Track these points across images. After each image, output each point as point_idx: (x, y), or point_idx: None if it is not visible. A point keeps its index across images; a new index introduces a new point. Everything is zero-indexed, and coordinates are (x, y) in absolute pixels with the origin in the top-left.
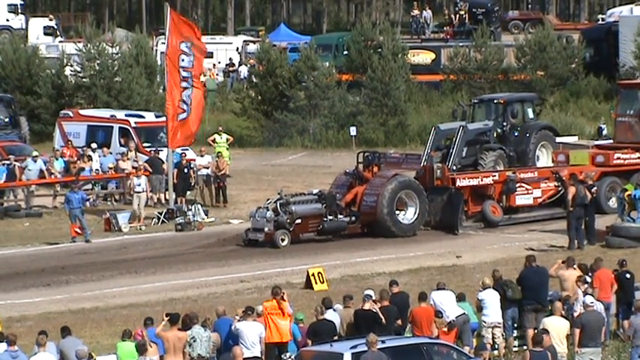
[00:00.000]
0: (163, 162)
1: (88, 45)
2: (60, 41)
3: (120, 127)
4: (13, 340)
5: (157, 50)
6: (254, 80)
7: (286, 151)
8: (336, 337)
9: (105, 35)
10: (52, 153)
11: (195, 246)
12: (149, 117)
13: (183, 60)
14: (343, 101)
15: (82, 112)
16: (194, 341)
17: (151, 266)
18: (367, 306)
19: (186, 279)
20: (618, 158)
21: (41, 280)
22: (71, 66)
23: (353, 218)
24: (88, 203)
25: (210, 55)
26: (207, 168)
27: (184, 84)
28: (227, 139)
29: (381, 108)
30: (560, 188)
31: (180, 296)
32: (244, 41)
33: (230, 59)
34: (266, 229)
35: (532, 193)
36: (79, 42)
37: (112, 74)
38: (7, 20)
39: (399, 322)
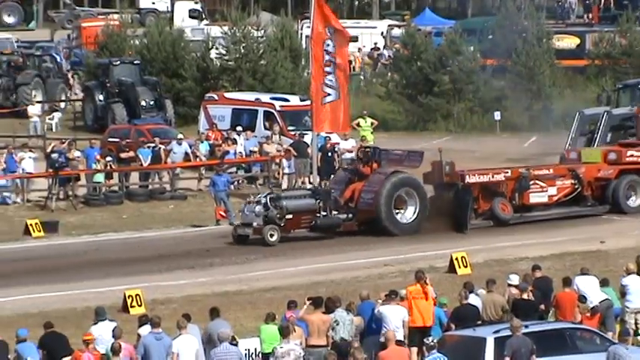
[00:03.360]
0: (308, 145)
1: (234, 28)
2: (205, 24)
3: (265, 111)
4: (157, 322)
5: (301, 34)
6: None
7: (430, 136)
8: (479, 322)
9: (250, 18)
10: (197, 136)
11: (339, 230)
12: (294, 100)
13: (328, 44)
14: (488, 85)
15: (227, 95)
16: (337, 324)
17: (295, 249)
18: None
19: (330, 262)
20: (632, 155)
21: (186, 262)
22: (216, 49)
23: (350, 215)
24: (232, 186)
25: (355, 39)
26: (351, 152)
27: (328, 68)
28: (371, 123)
29: (525, 92)
30: (577, 186)
31: (323, 279)
32: (389, 25)
33: (375, 43)
34: (255, 223)
35: (547, 190)
36: (225, 25)
37: (257, 57)
38: (153, 3)
39: (542, 306)
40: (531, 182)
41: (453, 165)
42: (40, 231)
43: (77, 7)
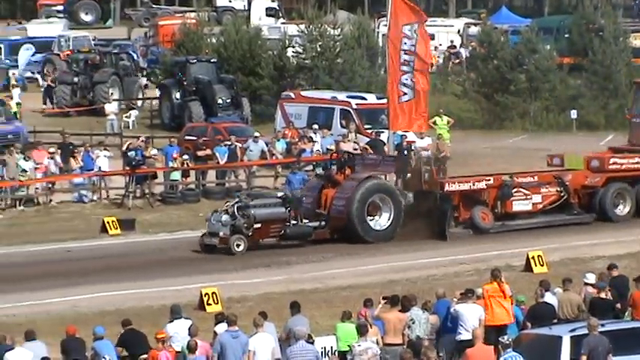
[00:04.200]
0: (384, 144)
1: (310, 26)
2: (282, 22)
3: (341, 109)
4: (233, 320)
5: (378, 32)
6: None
7: (507, 134)
8: (555, 321)
9: (327, 17)
10: (273, 134)
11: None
12: (370, 99)
13: (405, 43)
14: (564, 84)
15: (304, 93)
16: (413, 323)
17: (370, 248)
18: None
19: (406, 261)
20: (614, 163)
21: (262, 260)
22: (293, 47)
23: (322, 223)
24: None
25: (431, 38)
26: (427, 150)
27: (405, 67)
28: (447, 121)
29: (602, 91)
30: (563, 194)
31: (399, 278)
32: (466, 24)
33: (451, 42)
34: (221, 233)
35: (531, 198)
36: (301, 23)
37: (333, 56)
38: (230, 1)
39: (619, 305)
40: (515, 190)
41: (432, 172)
42: (116, 229)
43: (154, 6)
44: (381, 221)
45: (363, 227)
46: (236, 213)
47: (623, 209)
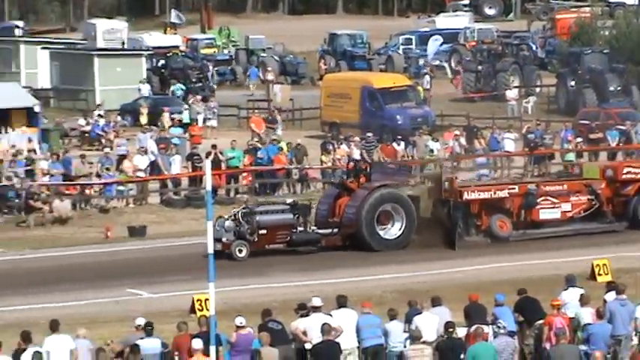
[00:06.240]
0: None
1: None
2: None
3: None
4: (622, 290)
5: None
6: None
7: None
8: None
9: None
10: None
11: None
12: None
13: None
14: None
15: None
16: None
17: None
18: None
19: None
20: (629, 172)
21: None
22: None
23: (334, 230)
24: None
25: None
26: None
27: None
28: None
29: None
30: (594, 202)
31: None
32: None
33: None
34: (224, 239)
35: (560, 207)
36: None
37: None
38: None
39: None
40: (541, 198)
41: (452, 181)
42: None
43: (552, 1)
44: (393, 230)
45: (371, 235)
46: (241, 219)
47: None
